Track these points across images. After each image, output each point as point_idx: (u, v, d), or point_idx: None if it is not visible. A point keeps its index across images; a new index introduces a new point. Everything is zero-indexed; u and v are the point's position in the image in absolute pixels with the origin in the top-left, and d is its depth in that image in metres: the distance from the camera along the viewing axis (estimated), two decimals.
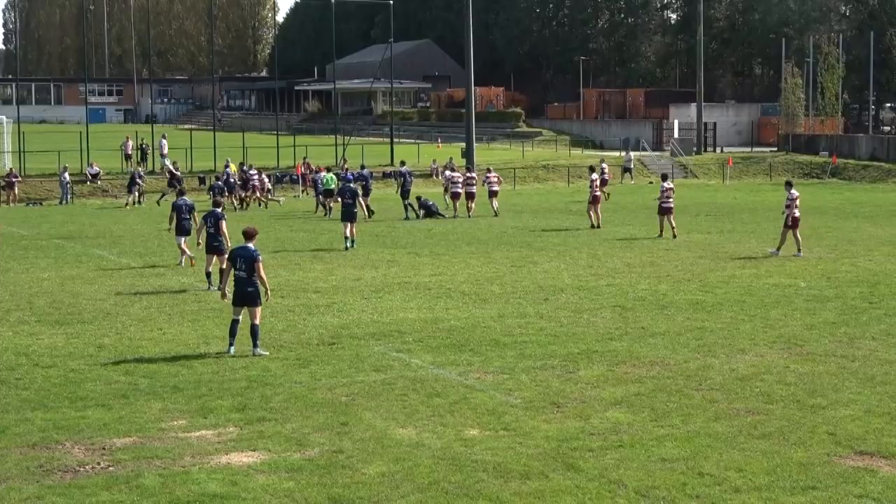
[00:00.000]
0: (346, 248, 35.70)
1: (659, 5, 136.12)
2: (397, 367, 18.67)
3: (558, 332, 21.71)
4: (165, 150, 72.69)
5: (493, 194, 48.67)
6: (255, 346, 19.88)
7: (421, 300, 25.71)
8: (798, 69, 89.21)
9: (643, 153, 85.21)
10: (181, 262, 31.99)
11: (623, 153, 76.61)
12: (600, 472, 13.15)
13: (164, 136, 74.87)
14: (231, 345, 19.95)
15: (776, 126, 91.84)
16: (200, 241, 27.78)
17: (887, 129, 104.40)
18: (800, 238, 34.36)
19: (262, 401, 16.42)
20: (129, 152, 73.65)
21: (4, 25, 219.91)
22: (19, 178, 62.07)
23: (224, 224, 27.26)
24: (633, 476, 13.01)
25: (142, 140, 74.20)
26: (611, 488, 12.64)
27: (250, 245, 20.09)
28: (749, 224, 44.51)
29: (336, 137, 76.89)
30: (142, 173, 57.23)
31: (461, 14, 79.77)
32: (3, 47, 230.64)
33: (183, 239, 31.44)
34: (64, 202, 58.96)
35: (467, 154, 74.25)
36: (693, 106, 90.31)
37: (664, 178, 42.64)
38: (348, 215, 36.47)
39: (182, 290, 27.39)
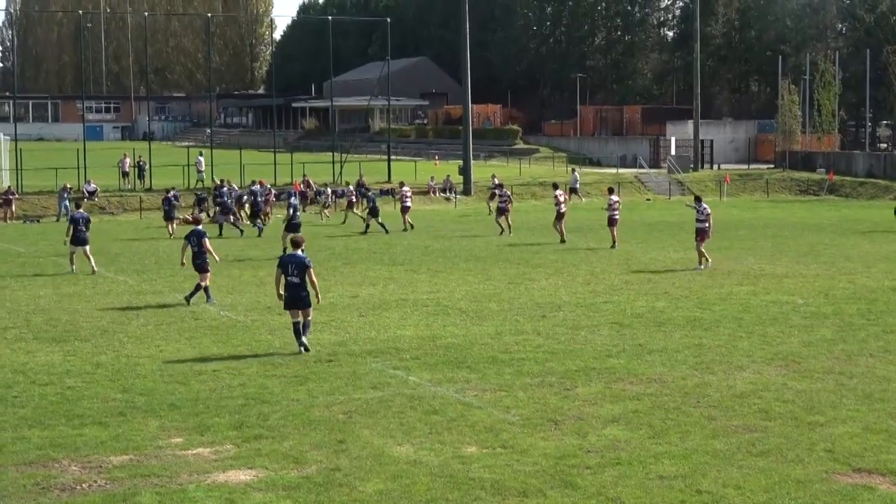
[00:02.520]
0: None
1: (656, 23, 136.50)
2: (395, 385, 18.64)
3: (556, 349, 21.70)
4: (202, 167, 72.79)
5: (501, 212, 48.46)
6: (304, 333, 21.48)
7: (418, 317, 25.70)
8: (795, 86, 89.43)
9: (640, 170, 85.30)
10: (73, 269, 34.46)
11: (571, 176, 76.04)
12: (598, 490, 13.12)
13: (200, 154, 74.93)
14: (300, 343, 21.33)
15: (773, 143, 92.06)
16: (185, 261, 28.90)
17: (884, 146, 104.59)
18: (704, 252, 34.76)
19: (260, 418, 16.39)
20: (127, 170, 73.69)
21: (2, 43, 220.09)
22: (16, 196, 62.11)
23: (207, 241, 28.23)
24: (631, 493, 12.98)
25: (139, 157, 74.25)
26: None
27: (299, 252, 21.49)
28: (746, 241, 44.52)
29: (333, 154, 76.96)
30: (177, 195, 55.44)
31: (458, 31, 79.99)
32: (1, 64, 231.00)
33: (80, 248, 34.31)
34: (63, 219, 58.92)
35: (464, 171, 74.36)
36: (690, 123, 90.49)
37: (611, 191, 43.62)
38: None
39: (179, 307, 27.35)
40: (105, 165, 71.61)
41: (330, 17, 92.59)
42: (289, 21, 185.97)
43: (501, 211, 47.96)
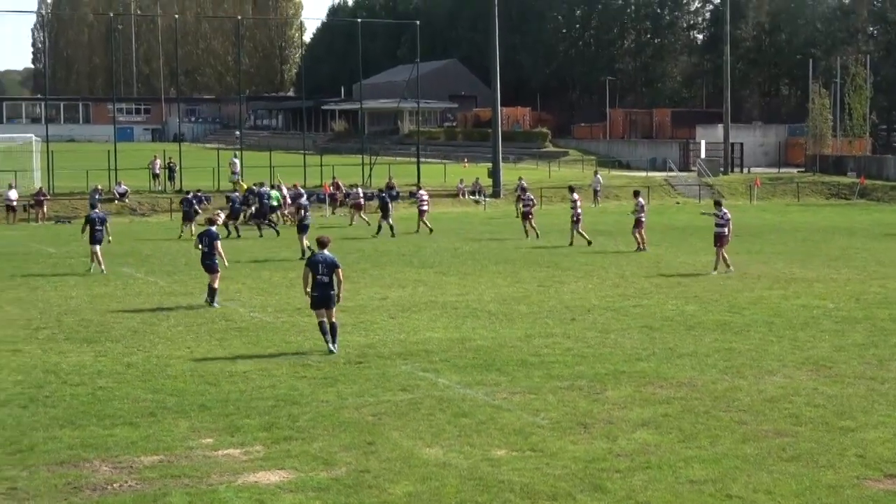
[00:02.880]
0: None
1: (685, 25, 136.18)
2: (424, 387, 18.64)
3: (585, 352, 21.66)
4: (237, 169, 73.04)
5: (525, 216, 48.41)
6: (334, 342, 21.55)
7: (448, 319, 25.70)
8: (825, 90, 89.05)
9: (670, 174, 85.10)
10: (91, 269, 35.20)
11: (593, 179, 75.75)
12: (628, 494, 13.08)
13: (235, 156, 75.20)
14: (328, 341, 21.56)
15: (803, 147, 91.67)
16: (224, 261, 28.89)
17: None
18: (727, 256, 34.40)
19: (289, 420, 16.42)
20: (157, 171, 73.98)
21: (34, 45, 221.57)
22: (48, 197, 62.45)
23: (219, 243, 28.28)
24: (661, 498, 12.94)
25: (169, 159, 74.52)
26: None
27: (327, 252, 21.80)
28: (777, 245, 44.34)
29: (362, 157, 77.07)
30: (200, 197, 55.40)
31: (487, 34, 79.93)
32: (33, 66, 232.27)
33: (97, 247, 35.20)
34: None
35: (494, 174, 74.33)
36: (720, 126, 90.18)
37: (636, 194, 43.39)
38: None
39: (210, 308, 27.42)
40: (135, 167, 71.88)
41: (359, 20, 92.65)
42: (318, 23, 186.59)
43: (525, 215, 47.88)
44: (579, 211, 44.30)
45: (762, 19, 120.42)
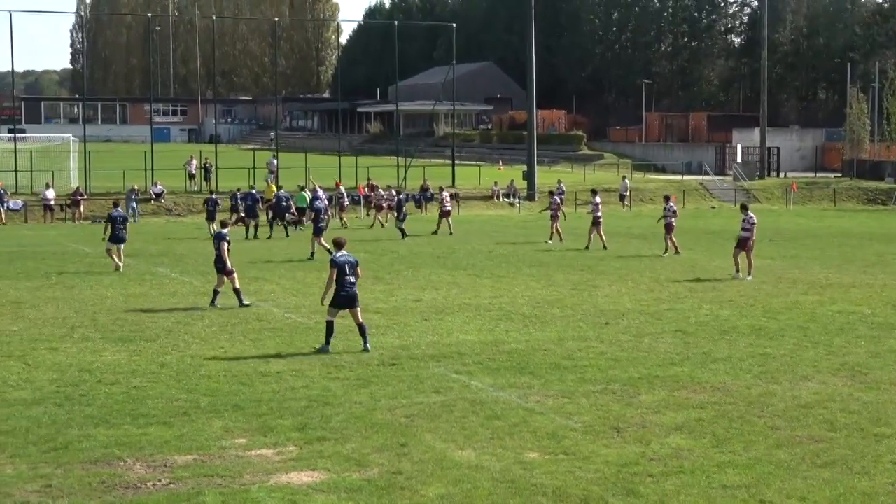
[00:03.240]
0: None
1: (723, 29, 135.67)
2: (457, 389, 18.64)
3: (619, 356, 21.61)
4: (274, 168, 73.38)
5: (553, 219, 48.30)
6: (365, 341, 21.90)
7: (481, 322, 25.69)
8: (864, 94, 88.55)
9: (705, 178, 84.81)
10: (116, 267, 35.52)
11: (621, 183, 75.38)
12: (660, 498, 13.04)
13: (274, 157, 75.49)
14: (328, 343, 21.77)
15: (841, 151, 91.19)
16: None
17: None
18: (752, 261, 34.16)
19: (323, 420, 16.45)
20: (193, 171, 74.33)
21: (72, 45, 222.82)
22: (85, 196, 62.84)
23: (225, 245, 28.00)
24: (694, 503, 12.89)
25: (205, 159, 74.85)
26: None
27: (346, 252, 21.97)
28: (813, 250, 44.11)
29: (398, 159, 77.22)
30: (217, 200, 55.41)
31: (523, 36, 79.90)
32: (71, 67, 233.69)
33: (117, 246, 35.82)
34: (130, 220, 59.54)
35: (529, 176, 74.31)
36: (756, 130, 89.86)
37: (666, 199, 43.13)
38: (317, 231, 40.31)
39: (244, 309, 27.51)
40: (172, 167, 72.24)
41: (396, 22, 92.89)
42: (355, 25, 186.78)
43: (553, 218, 47.69)
44: (599, 214, 44.25)
45: (800, 23, 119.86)
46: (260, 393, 18.23)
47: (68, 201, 61.76)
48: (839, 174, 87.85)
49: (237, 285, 28.01)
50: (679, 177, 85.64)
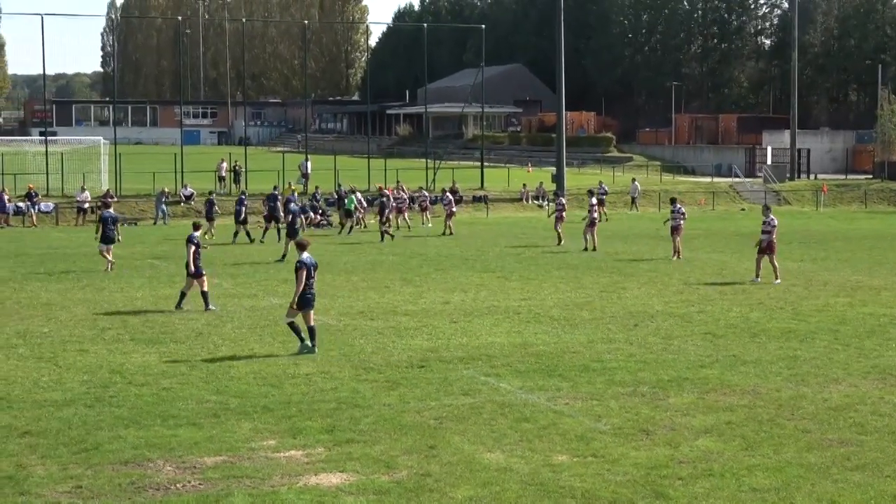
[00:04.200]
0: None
1: (753, 31, 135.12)
2: (486, 392, 18.64)
3: (648, 358, 21.56)
4: (307, 171, 73.60)
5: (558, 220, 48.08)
6: (313, 343, 21.99)
7: (510, 324, 25.68)
8: (895, 95, 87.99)
9: (735, 180, 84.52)
10: (107, 267, 36.32)
11: (631, 186, 74.95)
12: (689, 501, 13.01)
13: (307, 158, 75.73)
14: (303, 339, 22.03)
15: (871, 153, 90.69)
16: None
17: None
18: (776, 263, 33.97)
19: (351, 422, 16.48)
20: (223, 174, 74.56)
21: (103, 48, 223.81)
22: (115, 199, 63.09)
23: (191, 248, 27.81)
24: None
25: (235, 162, 75.05)
26: None
27: (309, 254, 22.43)
28: (843, 252, 43.89)
29: (427, 161, 77.23)
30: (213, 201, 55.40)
31: (553, 39, 79.77)
32: (102, 70, 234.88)
33: (107, 246, 36.47)
34: (160, 222, 59.78)
35: (558, 179, 74.19)
36: (787, 132, 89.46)
37: (673, 201, 42.95)
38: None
39: (272, 310, 27.57)
40: (202, 170, 72.47)
41: (425, 24, 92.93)
42: (384, 28, 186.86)
43: (558, 220, 47.39)
44: (595, 216, 44.31)
45: (831, 24, 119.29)
46: (289, 395, 18.27)
47: (99, 203, 61.97)
48: (870, 176, 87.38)
49: (205, 288, 27.99)
50: (709, 179, 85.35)
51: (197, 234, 28.57)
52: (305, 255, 22.14)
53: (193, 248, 27.79)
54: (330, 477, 13.91)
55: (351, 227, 52.75)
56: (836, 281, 34.12)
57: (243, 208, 49.35)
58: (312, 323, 22.09)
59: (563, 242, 46.02)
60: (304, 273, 21.81)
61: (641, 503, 12.95)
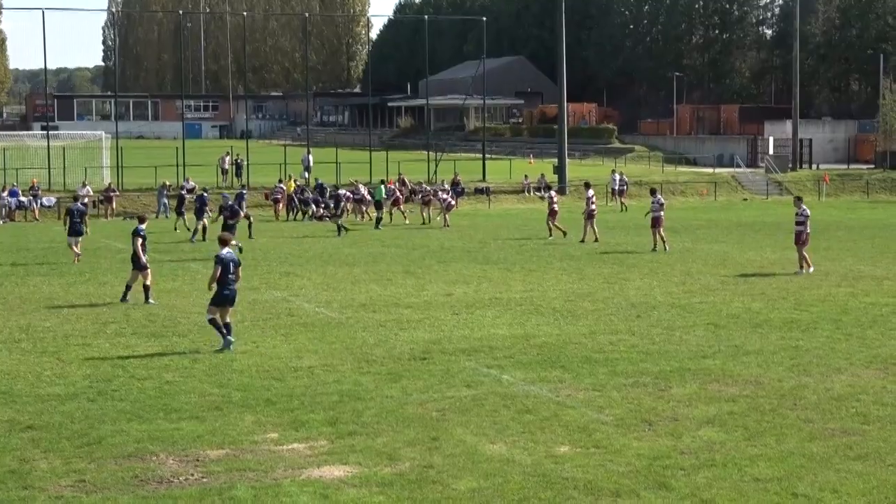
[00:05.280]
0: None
1: (754, 21, 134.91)
2: (488, 383, 18.65)
3: (650, 349, 21.57)
4: (310, 164, 73.59)
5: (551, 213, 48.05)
6: (228, 334, 21.61)
7: (512, 316, 25.69)
8: None
9: (737, 170, 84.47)
10: (74, 259, 36.79)
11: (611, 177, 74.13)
12: (692, 492, 13.02)
13: (308, 151, 75.69)
14: (225, 335, 21.56)
15: (874, 143, 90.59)
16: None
17: None
18: (807, 255, 33.92)
19: (354, 415, 16.49)
20: (226, 167, 74.53)
21: (104, 42, 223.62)
22: (117, 193, 63.12)
23: (138, 241, 28.15)
24: (726, 496, 12.87)
25: (237, 155, 75.03)
26: None
27: (230, 250, 22.13)
28: (845, 242, 43.90)
29: (428, 153, 77.21)
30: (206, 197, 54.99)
31: (554, 30, 79.77)
32: (103, 64, 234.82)
33: (75, 239, 36.82)
34: (161, 216, 59.79)
35: (559, 170, 74.17)
36: (788, 122, 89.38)
37: (653, 192, 42.92)
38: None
39: (276, 304, 27.60)
40: (203, 163, 72.45)
41: (426, 17, 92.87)
42: (385, 20, 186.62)
43: (551, 214, 47.13)
44: (593, 207, 44.31)
45: (832, 14, 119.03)
46: (291, 388, 18.29)
47: (101, 198, 62.01)
48: (872, 166, 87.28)
49: (148, 282, 28.11)
50: (710, 169, 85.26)
51: (143, 226, 29.03)
52: (225, 250, 22.00)
53: (140, 240, 28.15)
54: (333, 469, 13.93)
55: (379, 220, 51.81)
56: (838, 271, 34.12)
57: (232, 205, 49.02)
58: (229, 319, 21.80)
59: (552, 236, 45.88)
60: (219, 269, 21.63)
61: (644, 494, 12.97)
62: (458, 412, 16.67)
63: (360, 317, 25.65)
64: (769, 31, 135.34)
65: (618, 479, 13.45)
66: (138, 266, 28.04)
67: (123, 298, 27.93)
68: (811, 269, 33.62)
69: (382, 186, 55.13)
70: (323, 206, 58.19)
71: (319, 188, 61.22)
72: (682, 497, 12.84)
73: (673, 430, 15.68)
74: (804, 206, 35.01)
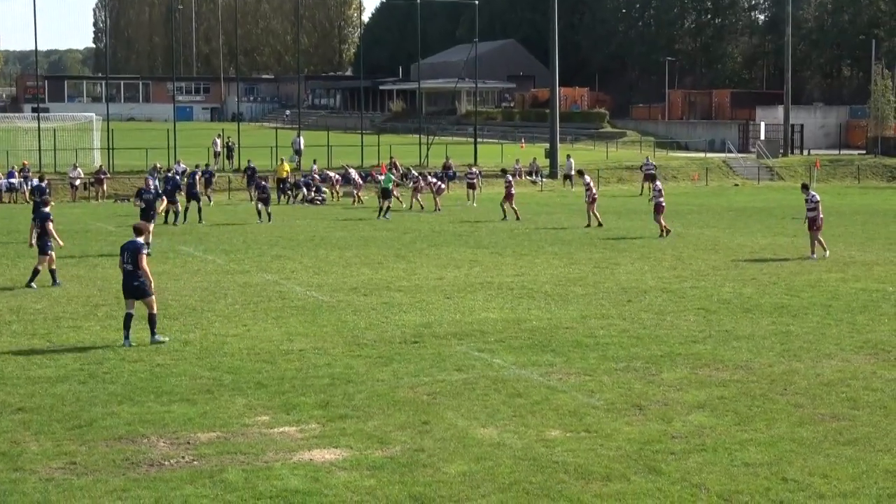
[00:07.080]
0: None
1: (746, 6, 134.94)
2: (479, 367, 18.67)
3: (641, 333, 21.59)
4: (300, 147, 73.48)
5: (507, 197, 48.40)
6: (152, 334, 20.71)
7: (503, 300, 25.69)
8: (888, 71, 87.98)
9: (729, 155, 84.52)
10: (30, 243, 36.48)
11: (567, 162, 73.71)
12: (682, 476, 13.05)
13: (299, 134, 75.56)
14: (126, 337, 20.50)
15: (865, 129, 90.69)
16: (33, 242, 28.42)
17: None
18: (822, 240, 33.96)
19: (345, 398, 16.50)
20: (218, 150, 74.47)
21: (95, 24, 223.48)
22: (108, 175, 63.02)
23: (50, 224, 28.01)
24: (716, 480, 12.90)
25: (228, 138, 74.93)
26: (693, 492, 12.54)
27: (139, 239, 20.80)
28: (836, 227, 43.92)
29: (420, 137, 77.16)
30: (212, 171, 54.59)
31: (546, 14, 79.68)
32: (94, 46, 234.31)
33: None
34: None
35: (551, 155, 74.17)
36: (780, 108, 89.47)
37: (653, 178, 43.18)
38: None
39: (267, 287, 27.59)
40: (194, 146, 72.36)
41: (418, 0, 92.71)
42: (377, 3, 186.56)
43: (507, 196, 47.82)
44: (594, 192, 44.64)
45: None
46: (283, 371, 18.29)
47: (91, 180, 61.93)
48: (863, 152, 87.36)
49: (41, 266, 27.98)
50: (702, 154, 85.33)
51: (47, 208, 28.95)
52: (130, 240, 20.80)
53: (50, 224, 28.06)
54: (324, 452, 13.93)
55: (388, 209, 50.32)
56: (829, 256, 34.15)
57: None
58: (132, 310, 20.65)
59: (512, 217, 46.89)
60: (119, 260, 20.94)
61: (634, 478, 12.99)
62: (449, 396, 16.69)
63: (351, 300, 25.65)
64: (761, 17, 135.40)
65: (608, 464, 13.47)
66: (42, 250, 27.99)
67: (29, 283, 27.57)
68: (827, 254, 33.58)
69: (390, 174, 53.94)
70: (314, 189, 58.19)
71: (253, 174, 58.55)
72: (673, 481, 12.87)
73: (663, 414, 15.70)
74: (813, 192, 35.05)
